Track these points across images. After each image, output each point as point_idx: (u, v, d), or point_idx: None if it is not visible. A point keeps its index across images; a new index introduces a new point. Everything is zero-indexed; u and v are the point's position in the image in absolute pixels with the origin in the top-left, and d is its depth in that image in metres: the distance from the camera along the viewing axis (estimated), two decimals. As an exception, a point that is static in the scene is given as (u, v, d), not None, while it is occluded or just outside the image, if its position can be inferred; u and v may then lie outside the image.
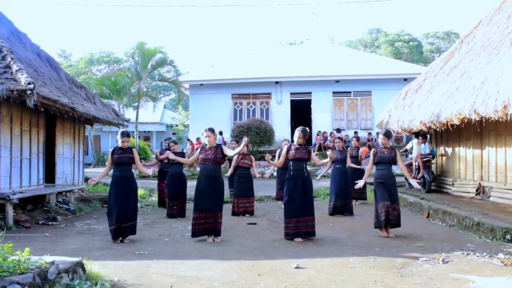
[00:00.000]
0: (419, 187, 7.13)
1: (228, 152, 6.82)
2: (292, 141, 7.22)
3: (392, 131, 12.80)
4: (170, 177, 9.55)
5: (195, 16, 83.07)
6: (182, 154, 9.82)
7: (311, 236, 6.72)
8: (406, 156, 13.40)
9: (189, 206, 10.10)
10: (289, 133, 20.23)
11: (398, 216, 6.93)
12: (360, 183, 7.23)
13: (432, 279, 4.59)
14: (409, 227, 7.64)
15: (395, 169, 16.30)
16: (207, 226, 6.63)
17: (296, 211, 6.63)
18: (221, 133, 19.65)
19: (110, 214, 6.74)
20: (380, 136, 7.25)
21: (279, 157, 10.02)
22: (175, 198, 9.42)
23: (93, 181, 7.12)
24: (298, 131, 6.79)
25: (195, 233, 6.70)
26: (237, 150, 7.08)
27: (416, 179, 11.76)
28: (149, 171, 8.02)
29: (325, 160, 7.77)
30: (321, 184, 13.62)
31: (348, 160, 9.72)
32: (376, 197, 7.05)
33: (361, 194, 11.00)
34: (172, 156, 7.65)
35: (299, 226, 6.63)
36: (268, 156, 7.22)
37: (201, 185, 6.72)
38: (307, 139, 7.05)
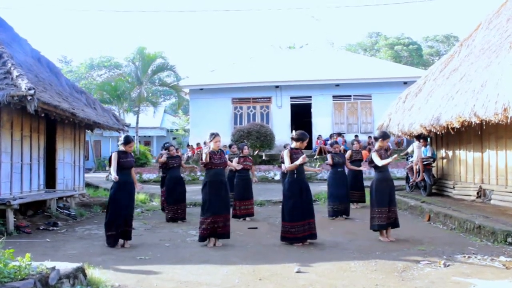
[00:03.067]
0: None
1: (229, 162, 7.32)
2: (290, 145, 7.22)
3: (392, 134, 12.83)
4: (170, 181, 9.55)
5: (195, 20, 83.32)
6: (179, 158, 9.82)
7: (314, 238, 6.71)
8: (407, 159, 13.39)
9: (189, 211, 10.14)
10: (289, 137, 20.22)
11: (396, 218, 6.98)
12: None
13: (433, 282, 4.58)
14: (410, 230, 7.64)
15: (396, 172, 16.42)
16: (217, 230, 6.62)
17: (303, 215, 6.60)
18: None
19: (113, 220, 6.61)
20: (381, 140, 7.07)
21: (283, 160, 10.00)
22: (175, 203, 9.40)
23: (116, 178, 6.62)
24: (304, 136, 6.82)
25: (203, 238, 6.67)
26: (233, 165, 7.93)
27: (417, 182, 11.80)
28: (138, 187, 7.29)
29: (312, 169, 7.96)
30: (322, 188, 13.60)
31: (347, 163, 9.74)
32: (374, 200, 6.97)
33: (360, 197, 10.99)
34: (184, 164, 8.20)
35: (305, 229, 6.61)
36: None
37: (215, 189, 6.67)
38: (308, 142, 7.04)
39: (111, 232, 6.65)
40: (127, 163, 6.76)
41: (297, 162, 6.45)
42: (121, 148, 6.87)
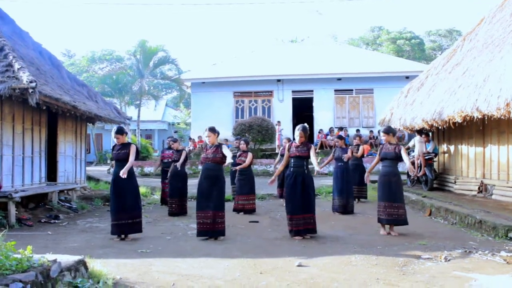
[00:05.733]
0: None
1: (227, 153, 6.62)
2: (294, 139, 7.20)
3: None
4: (171, 175, 9.64)
5: (196, 14, 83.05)
6: (181, 152, 9.84)
7: (312, 233, 6.71)
8: (408, 154, 13.38)
9: (191, 205, 10.16)
10: (291, 131, 20.20)
11: (401, 215, 6.84)
12: (366, 178, 7.34)
13: (434, 277, 4.58)
14: (411, 225, 7.63)
15: (401, 166, 16.38)
16: (208, 227, 6.62)
17: (296, 208, 6.61)
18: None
19: (111, 210, 6.87)
20: (381, 133, 7.30)
21: (281, 155, 10.06)
22: (174, 196, 9.49)
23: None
24: (298, 130, 6.75)
25: (199, 233, 6.73)
26: (230, 155, 6.70)
27: (418, 177, 11.79)
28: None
29: (316, 164, 7.81)
30: (323, 182, 13.61)
31: (349, 152, 9.64)
32: (378, 194, 7.09)
33: (361, 193, 10.97)
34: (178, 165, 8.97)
35: (299, 223, 6.62)
36: (271, 182, 7.13)
37: (201, 184, 6.74)
38: (308, 137, 7.01)
39: (111, 221, 6.84)
40: (115, 155, 6.89)
41: None
42: None
